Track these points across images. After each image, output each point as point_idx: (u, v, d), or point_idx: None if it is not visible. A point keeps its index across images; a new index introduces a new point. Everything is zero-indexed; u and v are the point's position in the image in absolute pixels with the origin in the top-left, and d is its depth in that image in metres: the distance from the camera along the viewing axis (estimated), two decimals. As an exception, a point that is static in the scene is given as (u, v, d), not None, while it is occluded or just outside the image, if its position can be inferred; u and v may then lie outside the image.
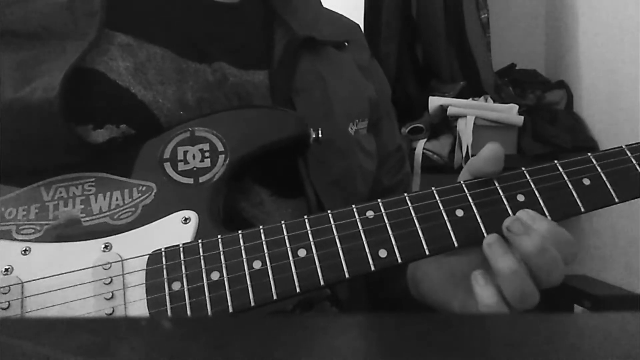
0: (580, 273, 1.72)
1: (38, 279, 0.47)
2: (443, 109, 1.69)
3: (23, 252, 0.48)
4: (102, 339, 0.24)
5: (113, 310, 0.45)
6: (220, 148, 0.53)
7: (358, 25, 0.81)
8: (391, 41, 1.88)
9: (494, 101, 1.76)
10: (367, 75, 0.73)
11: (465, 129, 1.64)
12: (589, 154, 0.50)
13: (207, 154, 0.53)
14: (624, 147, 0.50)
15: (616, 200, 0.48)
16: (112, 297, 0.46)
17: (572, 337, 0.25)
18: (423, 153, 1.68)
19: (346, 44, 0.72)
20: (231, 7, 0.66)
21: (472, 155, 1.59)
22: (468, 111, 1.66)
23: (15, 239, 0.49)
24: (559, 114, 1.80)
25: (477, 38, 1.87)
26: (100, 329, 0.25)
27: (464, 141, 1.63)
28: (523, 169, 0.49)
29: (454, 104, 1.68)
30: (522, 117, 1.67)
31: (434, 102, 1.72)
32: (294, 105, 0.62)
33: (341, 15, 0.80)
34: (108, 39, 0.57)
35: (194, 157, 0.53)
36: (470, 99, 1.75)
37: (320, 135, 0.57)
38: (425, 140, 1.72)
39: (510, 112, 1.68)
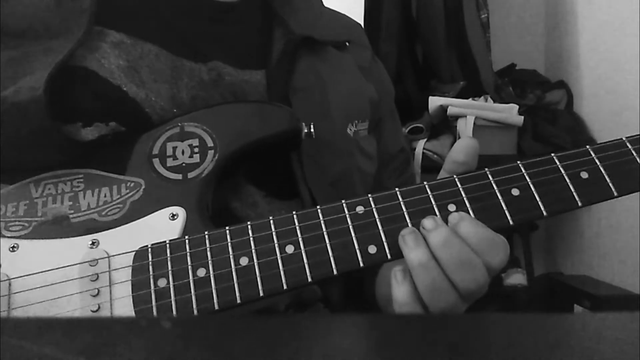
0: (580, 273, 1.71)
1: (25, 276, 0.46)
2: (443, 109, 1.69)
3: (11, 249, 0.48)
4: (102, 339, 0.24)
5: (99, 307, 0.45)
6: (210, 143, 0.53)
7: (360, 24, 0.80)
8: (391, 41, 1.88)
9: (494, 101, 1.76)
10: (368, 75, 0.72)
11: (465, 129, 1.63)
12: (588, 146, 0.48)
13: (196, 150, 0.52)
14: (624, 139, 0.48)
15: (615, 194, 0.46)
16: (97, 294, 0.45)
17: (572, 337, 0.25)
18: (423, 153, 1.68)
19: (347, 44, 0.71)
20: (229, 6, 0.65)
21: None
22: (468, 111, 1.66)
23: (3, 236, 0.49)
24: (559, 114, 1.79)
25: (477, 38, 1.86)
26: (100, 329, 0.25)
27: (464, 141, 1.63)
28: (518, 162, 0.48)
29: (454, 104, 1.68)
30: (522, 117, 1.67)
31: (434, 102, 1.71)
32: (291, 105, 0.61)
33: (343, 14, 0.79)
34: (100, 37, 0.56)
35: (183, 152, 0.52)
36: (470, 99, 1.75)
37: (312, 130, 0.56)
38: (425, 140, 1.72)
39: (510, 112, 1.67)
